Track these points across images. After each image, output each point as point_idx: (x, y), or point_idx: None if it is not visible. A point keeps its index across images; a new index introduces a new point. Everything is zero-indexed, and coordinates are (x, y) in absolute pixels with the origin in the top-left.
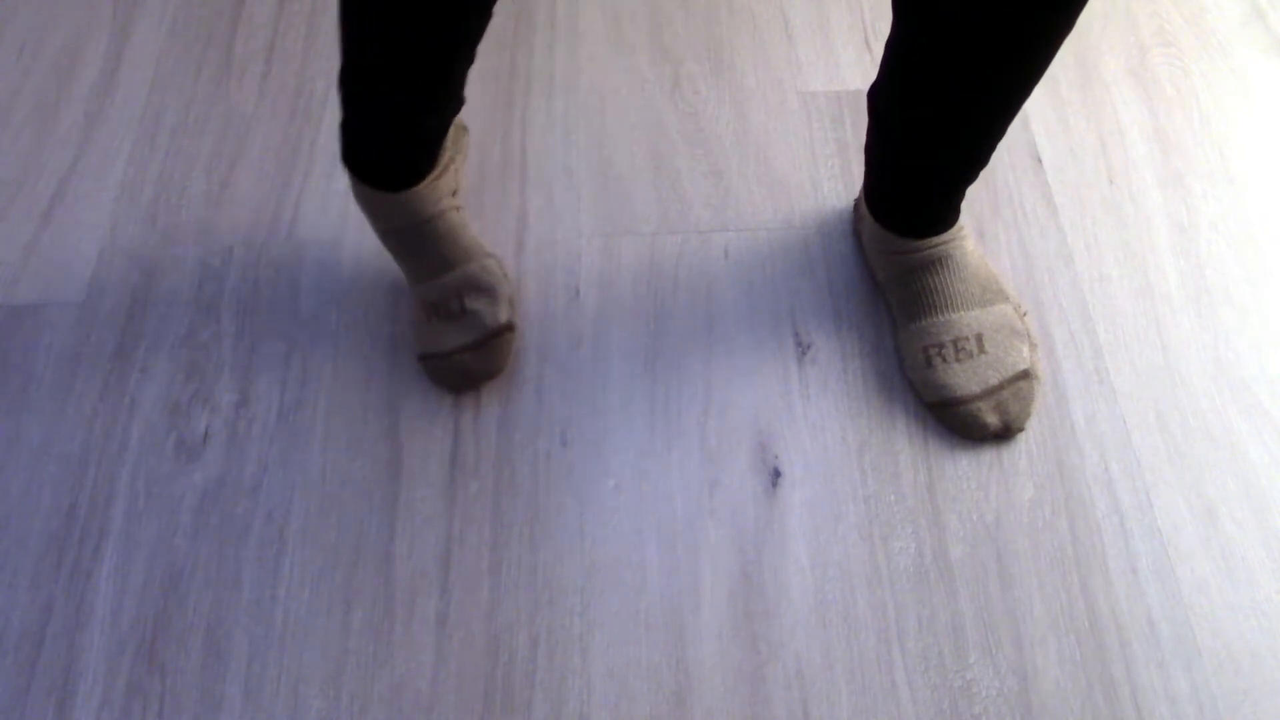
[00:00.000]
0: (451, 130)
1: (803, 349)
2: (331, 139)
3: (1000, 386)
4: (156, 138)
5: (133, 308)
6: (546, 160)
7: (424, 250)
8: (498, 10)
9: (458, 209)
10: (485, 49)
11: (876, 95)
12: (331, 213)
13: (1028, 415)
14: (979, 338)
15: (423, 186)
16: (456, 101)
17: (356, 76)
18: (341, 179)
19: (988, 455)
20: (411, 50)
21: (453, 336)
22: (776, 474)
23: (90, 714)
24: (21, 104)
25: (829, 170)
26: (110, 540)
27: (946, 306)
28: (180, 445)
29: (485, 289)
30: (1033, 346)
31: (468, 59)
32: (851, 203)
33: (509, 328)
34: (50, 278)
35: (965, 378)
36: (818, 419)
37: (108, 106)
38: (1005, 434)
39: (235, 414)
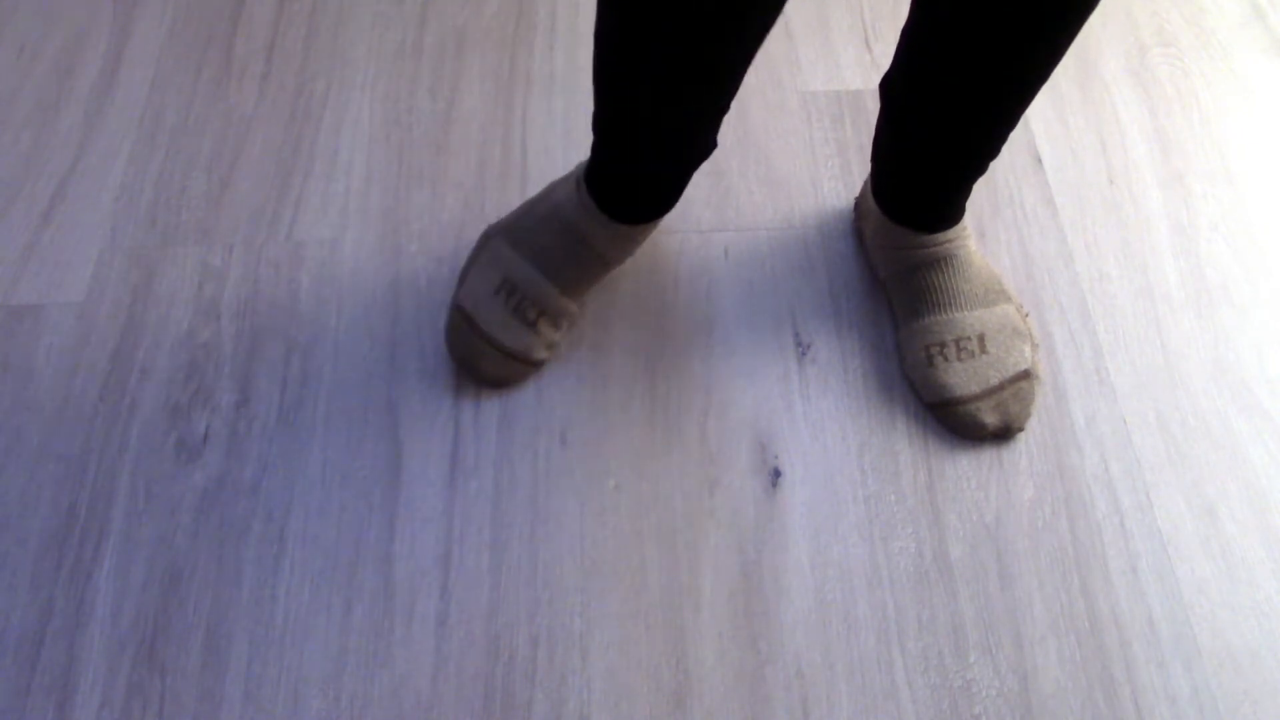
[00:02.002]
0: None
1: (803, 349)
2: (331, 139)
3: (1000, 386)
4: (156, 138)
5: (133, 308)
6: (546, 160)
7: (576, 267)
8: (498, 10)
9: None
10: (485, 49)
11: (891, 84)
12: (331, 213)
13: (1028, 415)
14: (981, 338)
15: (654, 223)
16: (712, 145)
17: (616, 117)
18: (341, 179)
19: (988, 455)
20: (688, 112)
21: (497, 325)
22: (776, 474)
23: (90, 714)
24: (21, 104)
25: (829, 170)
26: (110, 540)
27: (949, 305)
28: (180, 445)
29: (557, 327)
30: (1034, 347)
31: (728, 101)
32: (851, 202)
33: (538, 364)
34: (50, 278)
35: (966, 377)
36: (818, 419)
37: (108, 106)
38: (1005, 434)
39: (235, 414)
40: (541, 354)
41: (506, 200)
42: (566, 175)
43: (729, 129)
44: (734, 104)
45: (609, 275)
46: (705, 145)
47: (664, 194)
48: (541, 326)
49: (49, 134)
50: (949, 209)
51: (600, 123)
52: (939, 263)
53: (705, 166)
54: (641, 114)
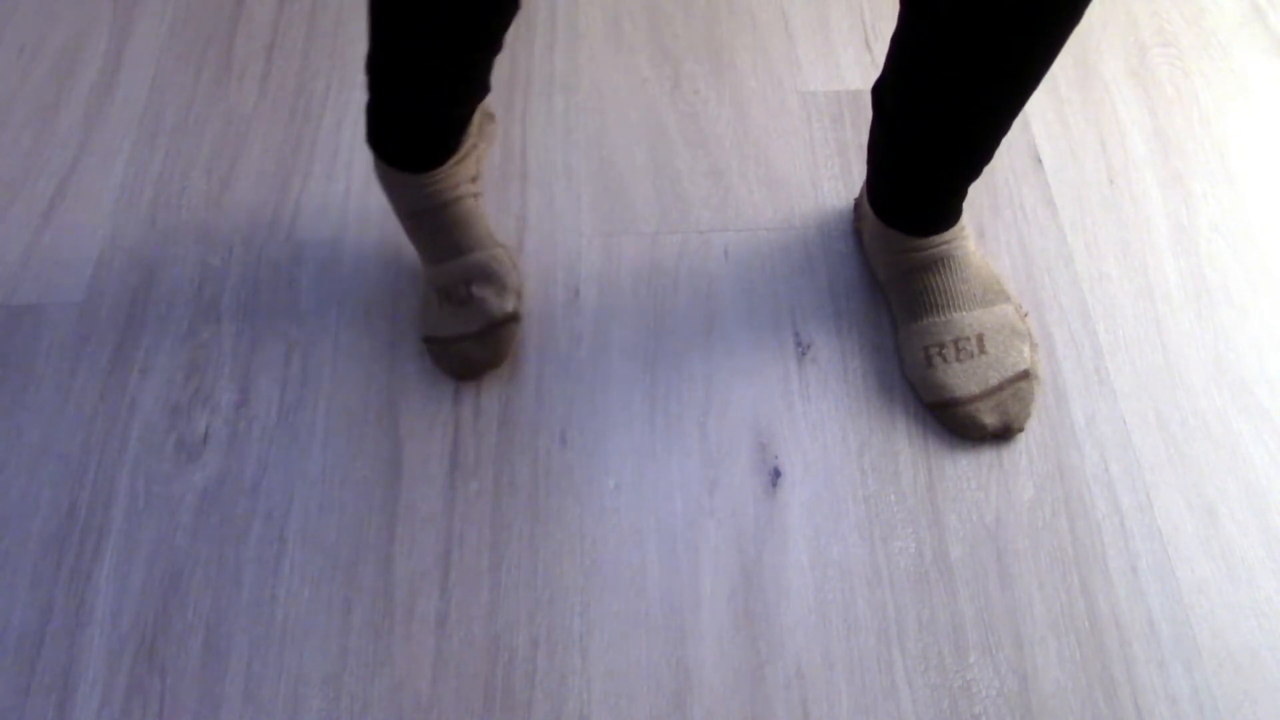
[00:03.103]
0: (477, 117)
1: (803, 349)
2: (331, 138)
3: (1000, 387)
4: (156, 138)
5: (133, 308)
6: (546, 160)
7: (438, 233)
8: None
9: (476, 195)
10: None
11: (881, 91)
12: (331, 213)
13: (1028, 415)
14: (980, 338)
15: (443, 170)
16: (482, 89)
17: (384, 62)
18: (341, 179)
19: (988, 455)
20: (439, 37)
21: (457, 323)
22: (776, 474)
23: (90, 714)
24: (21, 104)
25: (829, 170)
26: (110, 540)
27: (948, 306)
28: (180, 445)
29: (493, 278)
30: (1033, 347)
31: (495, 47)
32: (851, 202)
33: (513, 318)
34: (50, 278)
35: (965, 378)
36: (818, 419)
37: (108, 106)
38: (1005, 434)
39: (235, 414)
40: (506, 306)
41: (507, 199)
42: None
43: (729, 129)
44: (734, 104)
45: (605, 265)
46: (477, 85)
47: (434, 136)
48: (476, 291)
49: (49, 134)
50: (944, 213)
51: (371, 59)
52: (937, 264)
53: (705, 166)
54: (407, 46)
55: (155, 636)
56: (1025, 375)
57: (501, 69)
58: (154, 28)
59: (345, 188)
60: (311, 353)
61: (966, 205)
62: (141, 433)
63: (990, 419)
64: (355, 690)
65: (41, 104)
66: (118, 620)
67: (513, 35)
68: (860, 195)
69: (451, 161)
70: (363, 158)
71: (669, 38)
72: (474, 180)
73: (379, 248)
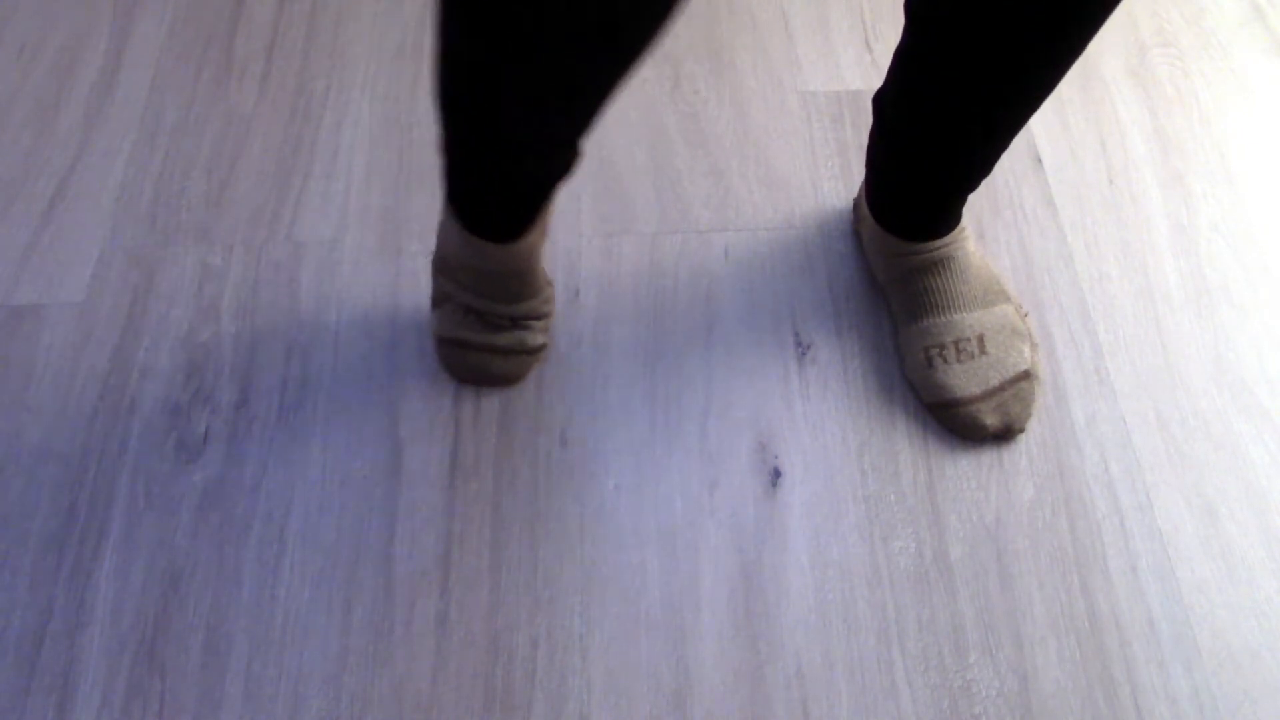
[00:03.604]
0: None
1: (803, 349)
2: (331, 138)
3: (1001, 387)
4: (156, 138)
5: (133, 308)
6: None
7: (497, 286)
8: None
9: (542, 243)
10: None
11: (883, 102)
12: (331, 213)
13: (1028, 416)
14: (980, 339)
15: (524, 240)
16: (575, 162)
17: (464, 146)
18: (341, 179)
19: (988, 455)
20: (549, 131)
21: (484, 335)
22: (776, 474)
23: (90, 714)
24: (21, 104)
25: (829, 170)
26: (110, 540)
27: (948, 307)
28: (180, 445)
29: (540, 316)
30: (1034, 347)
31: (591, 125)
32: (851, 202)
33: (541, 349)
34: (50, 278)
35: (966, 379)
36: (818, 419)
37: (108, 106)
38: (1006, 435)
39: (235, 414)
40: (539, 340)
41: None
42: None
43: (729, 129)
44: (734, 104)
45: (607, 266)
46: (569, 160)
47: (522, 214)
48: (519, 324)
49: (49, 134)
50: (943, 220)
51: (448, 145)
52: (937, 265)
53: (705, 166)
54: (491, 137)
55: (155, 636)
56: (1026, 375)
57: None
58: (154, 28)
59: (345, 188)
60: (311, 353)
61: (966, 205)
62: (141, 433)
63: (991, 419)
64: (355, 690)
65: (41, 104)
66: (118, 620)
67: None
68: (860, 196)
69: (532, 233)
70: (363, 158)
71: (669, 38)
72: (541, 242)
73: (379, 248)
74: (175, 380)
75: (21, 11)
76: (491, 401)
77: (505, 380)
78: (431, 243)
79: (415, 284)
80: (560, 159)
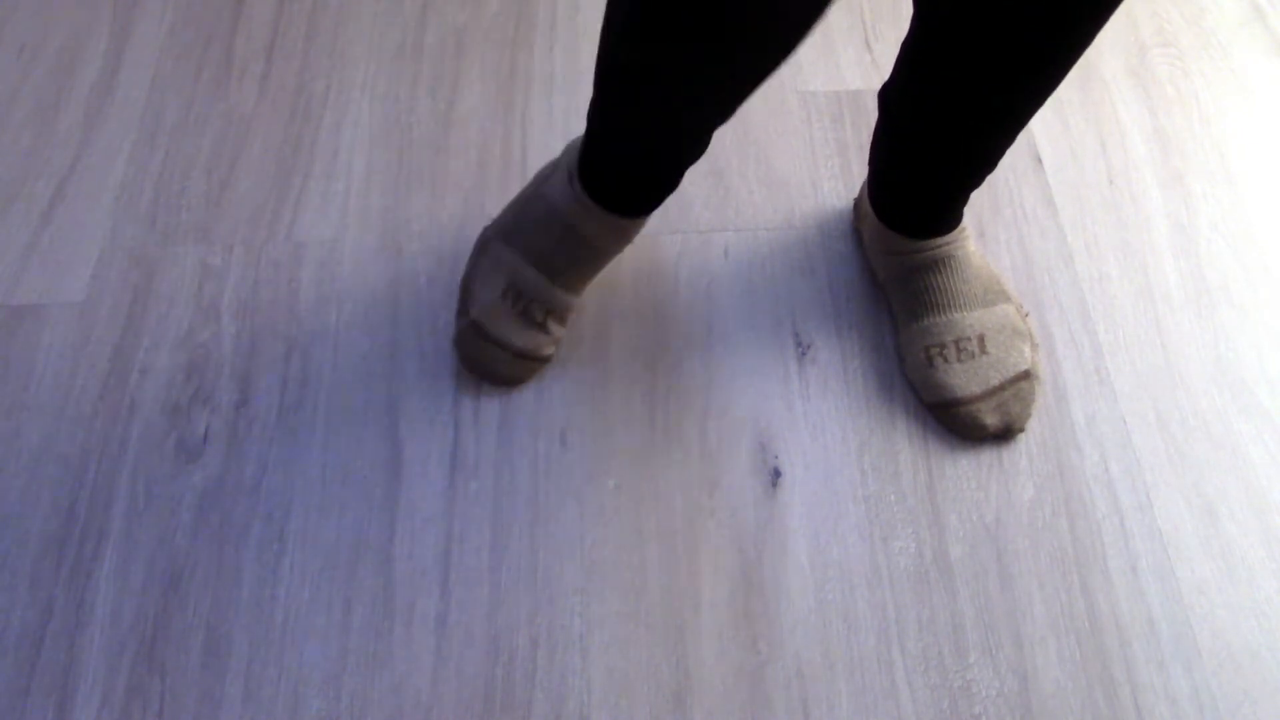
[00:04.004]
0: None
1: (803, 349)
2: (331, 139)
3: (1001, 387)
4: (156, 138)
5: (133, 308)
6: (546, 160)
7: (579, 263)
8: (498, 9)
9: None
10: (485, 49)
11: (889, 96)
12: (331, 213)
13: (1028, 416)
14: (981, 338)
15: (646, 217)
16: (706, 146)
17: (616, 116)
18: (341, 179)
19: (988, 455)
20: (682, 102)
21: (507, 330)
22: (776, 474)
23: (90, 714)
24: (21, 104)
25: (829, 170)
26: (110, 540)
27: (949, 306)
28: (180, 445)
29: (564, 323)
30: (1034, 347)
31: (733, 111)
32: (851, 202)
33: (545, 360)
34: (50, 278)
35: (966, 378)
36: (818, 419)
37: (108, 106)
38: (1006, 434)
39: (235, 414)
40: (550, 350)
41: (506, 200)
42: (554, 166)
43: (729, 129)
44: None
45: (609, 268)
46: (705, 145)
47: (661, 187)
48: (549, 325)
49: (49, 134)
50: (946, 217)
51: (600, 117)
52: (937, 264)
53: (705, 166)
54: (648, 115)
55: (155, 636)
56: (1026, 375)
57: (502, 69)
58: (154, 28)
59: (345, 188)
60: (311, 353)
61: (967, 205)
62: (141, 433)
63: (991, 419)
64: (355, 690)
65: (41, 104)
66: (118, 620)
67: (513, 35)
68: (860, 195)
69: (651, 212)
70: (363, 158)
71: None
72: (632, 241)
73: (379, 248)
74: (175, 380)
75: (21, 11)
76: (491, 401)
77: (508, 382)
78: (432, 242)
79: (415, 284)
80: (699, 144)
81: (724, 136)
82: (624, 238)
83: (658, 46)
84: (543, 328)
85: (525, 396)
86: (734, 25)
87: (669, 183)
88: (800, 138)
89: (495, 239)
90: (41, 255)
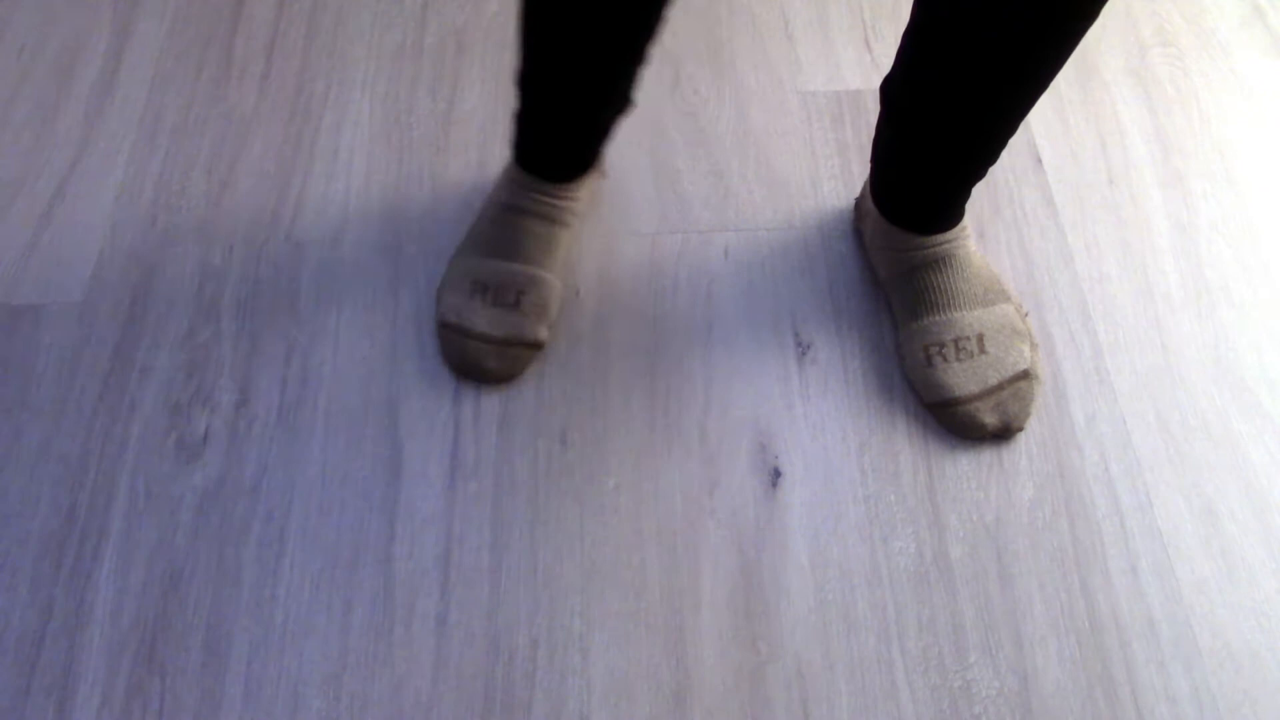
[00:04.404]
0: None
1: (803, 349)
2: (331, 139)
3: (1000, 386)
4: (156, 138)
5: (133, 308)
6: None
7: (524, 236)
8: (498, 10)
9: (571, 225)
10: (485, 48)
11: (891, 88)
12: (331, 213)
13: (1027, 415)
14: (980, 338)
15: (573, 185)
16: (626, 102)
17: (534, 74)
18: (341, 179)
19: (988, 455)
20: (587, 50)
21: (485, 322)
22: (776, 474)
23: (90, 714)
24: (21, 104)
25: (829, 170)
26: (110, 540)
27: (949, 305)
28: (180, 445)
29: (544, 301)
30: (1034, 346)
31: (640, 59)
32: (852, 202)
33: (539, 345)
34: (50, 278)
35: (965, 377)
36: (818, 419)
37: (108, 106)
38: (1005, 434)
39: (235, 414)
40: (539, 333)
41: None
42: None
43: (729, 129)
44: (734, 104)
45: (611, 269)
46: (622, 99)
47: (583, 148)
48: (525, 304)
49: (49, 134)
50: (948, 212)
51: (521, 75)
52: (938, 263)
53: (705, 166)
54: (557, 62)
55: (155, 636)
56: (1025, 375)
57: (502, 69)
58: (154, 28)
59: (345, 188)
60: (311, 353)
61: (967, 205)
62: (141, 433)
63: (990, 419)
64: (355, 690)
65: (41, 104)
66: (118, 620)
67: (513, 35)
68: (861, 194)
69: (583, 179)
70: (363, 158)
71: (669, 38)
72: (578, 213)
73: (379, 248)
74: (175, 380)
75: (21, 11)
76: (491, 401)
77: (499, 377)
78: (432, 242)
79: (415, 284)
80: (616, 89)
81: (724, 136)
82: (564, 205)
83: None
84: (517, 307)
85: (525, 396)
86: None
87: (589, 141)
88: (800, 138)
89: (456, 254)
90: (41, 255)
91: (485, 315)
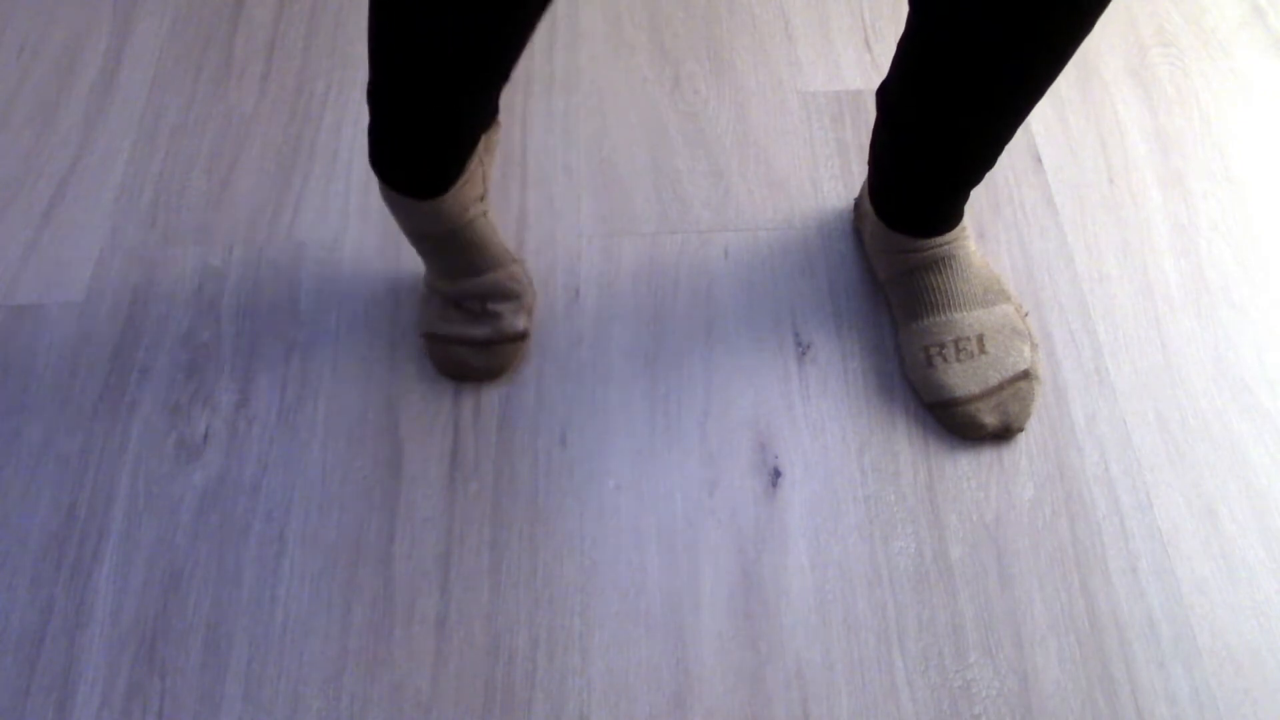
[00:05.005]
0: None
1: (803, 349)
2: (331, 139)
3: (1000, 386)
4: (156, 138)
5: (133, 308)
6: (546, 160)
7: (450, 256)
8: None
9: (485, 214)
10: None
11: (887, 93)
12: (331, 213)
13: (1027, 415)
14: (980, 338)
15: (450, 195)
16: (489, 118)
17: (385, 92)
18: (341, 179)
19: (988, 455)
20: (445, 72)
21: (460, 327)
22: (776, 474)
23: (90, 714)
24: (21, 104)
25: (829, 170)
26: (110, 540)
27: (948, 306)
28: (180, 445)
29: (509, 295)
30: (1034, 347)
31: (502, 81)
32: (851, 202)
33: (523, 335)
34: (50, 278)
35: (965, 378)
36: (818, 419)
37: (108, 106)
38: (1005, 434)
39: (235, 414)
40: (519, 324)
41: (506, 200)
42: None
43: (729, 129)
44: (734, 104)
45: (606, 268)
46: (483, 115)
47: (444, 163)
48: (493, 307)
49: (49, 134)
50: (946, 215)
51: (372, 88)
52: (937, 264)
53: (705, 166)
54: (410, 81)
55: (155, 636)
56: (1025, 375)
57: None
58: (154, 28)
59: (345, 188)
60: (311, 353)
61: (966, 205)
62: (141, 433)
63: (990, 419)
64: (355, 690)
65: (41, 104)
66: (118, 620)
67: None
68: (860, 194)
69: (456, 187)
70: (363, 158)
71: (669, 38)
72: (481, 199)
73: (379, 248)
74: (175, 380)
75: (21, 11)
76: (491, 401)
77: (488, 374)
78: None
79: (415, 284)
80: (475, 109)
81: (724, 136)
82: (439, 219)
83: (403, 15)
84: (485, 312)
85: (525, 396)
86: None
87: (451, 157)
88: (800, 138)
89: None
90: (41, 255)
91: (461, 324)
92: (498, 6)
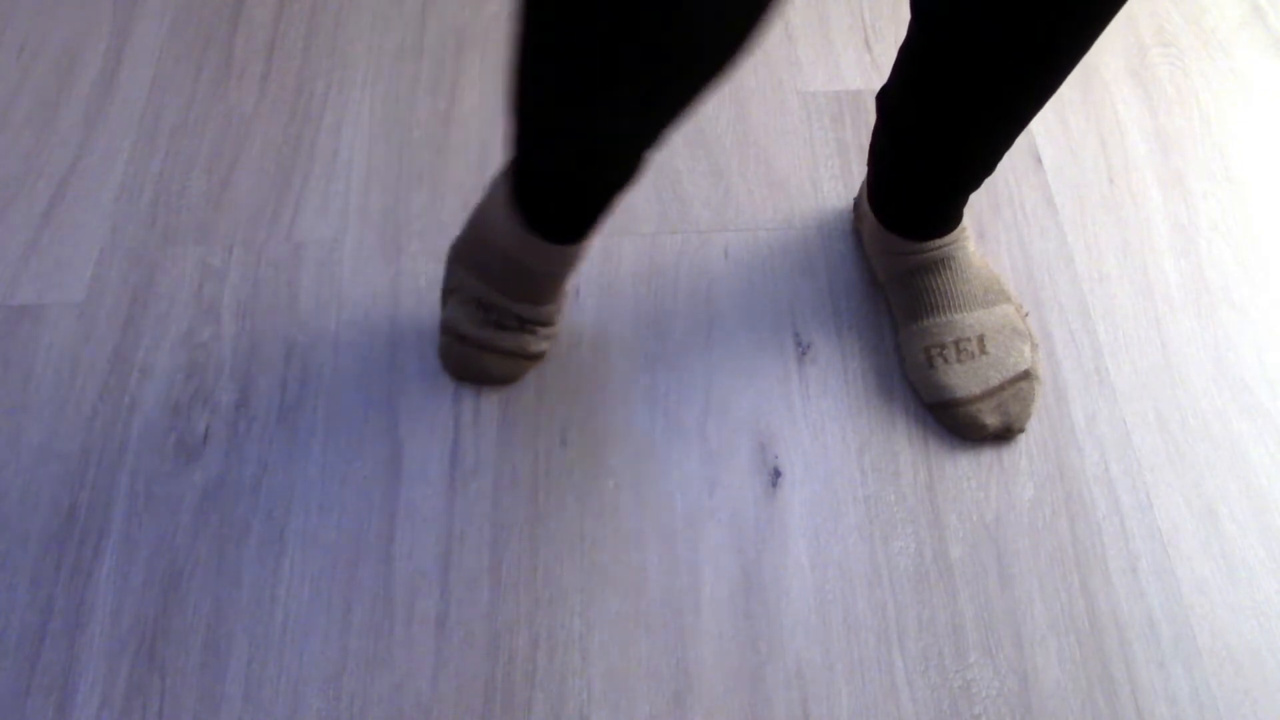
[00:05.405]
0: None
1: (803, 349)
2: (331, 139)
3: (1001, 387)
4: (156, 138)
5: (133, 308)
6: None
7: (532, 284)
8: (498, 9)
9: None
10: (487, 48)
11: (888, 99)
12: (331, 213)
13: (1028, 416)
14: (981, 339)
15: (587, 242)
16: (644, 170)
17: (553, 161)
18: (341, 179)
19: (988, 455)
20: (626, 139)
21: (492, 334)
22: (776, 474)
23: (90, 714)
24: (21, 104)
25: (829, 170)
26: (110, 540)
27: (949, 307)
28: (180, 445)
29: (549, 323)
30: (1034, 347)
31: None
32: (851, 202)
33: (541, 356)
34: (50, 278)
35: (966, 378)
36: (818, 419)
37: (108, 106)
38: (1005, 434)
39: (235, 414)
40: (541, 346)
41: None
42: (497, 184)
43: (729, 129)
44: (734, 104)
45: (607, 269)
46: (641, 168)
47: (595, 213)
48: (529, 328)
49: (49, 134)
50: (945, 218)
51: (520, 146)
52: (937, 265)
53: (705, 166)
54: (568, 145)
55: (155, 636)
56: (1026, 375)
57: (501, 69)
58: (154, 28)
59: (345, 188)
60: (311, 353)
61: (967, 205)
62: (141, 433)
63: (991, 419)
64: (355, 690)
65: (41, 104)
66: (118, 620)
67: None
68: (860, 195)
69: (594, 235)
70: (363, 158)
71: None
72: (579, 266)
73: (379, 248)
74: (175, 380)
75: (21, 11)
76: (491, 401)
77: (500, 381)
78: (432, 242)
79: (415, 284)
80: (629, 168)
81: (724, 136)
82: (567, 262)
83: (570, 63)
84: (521, 329)
85: (525, 396)
86: (652, 36)
87: (603, 209)
88: (800, 138)
89: (455, 260)
90: (41, 255)
91: (489, 330)
92: (667, 70)
